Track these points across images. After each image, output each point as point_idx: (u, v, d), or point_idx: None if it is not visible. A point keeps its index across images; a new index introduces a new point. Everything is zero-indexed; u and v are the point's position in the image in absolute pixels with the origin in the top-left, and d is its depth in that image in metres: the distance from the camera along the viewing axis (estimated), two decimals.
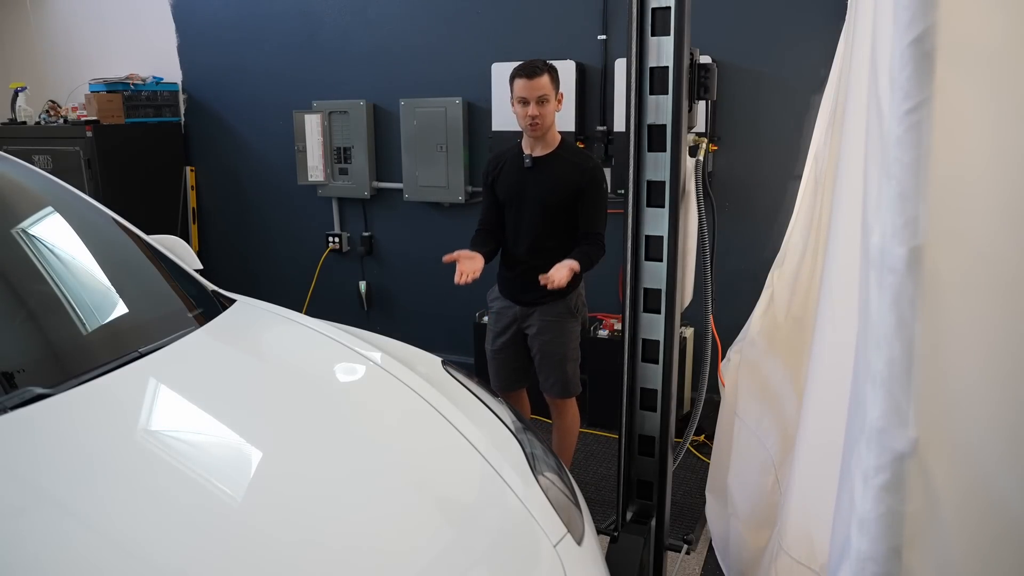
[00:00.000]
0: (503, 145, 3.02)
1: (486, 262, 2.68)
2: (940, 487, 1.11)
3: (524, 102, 2.61)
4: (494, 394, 2.05)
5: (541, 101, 2.60)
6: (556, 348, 2.81)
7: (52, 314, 1.86)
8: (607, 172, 3.77)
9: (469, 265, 2.57)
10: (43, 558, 1.16)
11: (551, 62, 2.70)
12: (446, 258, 2.61)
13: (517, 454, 1.77)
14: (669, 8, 1.74)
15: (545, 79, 2.60)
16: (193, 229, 5.13)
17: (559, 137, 2.74)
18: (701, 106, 1.95)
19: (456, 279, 2.54)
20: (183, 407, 1.66)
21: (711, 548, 2.76)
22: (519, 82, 2.61)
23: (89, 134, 4.52)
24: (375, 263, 4.70)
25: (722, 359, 2.87)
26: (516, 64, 2.67)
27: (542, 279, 2.47)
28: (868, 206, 1.18)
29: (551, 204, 2.69)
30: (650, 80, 1.81)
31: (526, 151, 2.74)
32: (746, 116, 3.60)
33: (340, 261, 4.78)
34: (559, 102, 2.69)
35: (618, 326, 3.75)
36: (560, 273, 2.48)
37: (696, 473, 3.34)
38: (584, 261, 2.60)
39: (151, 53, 4.95)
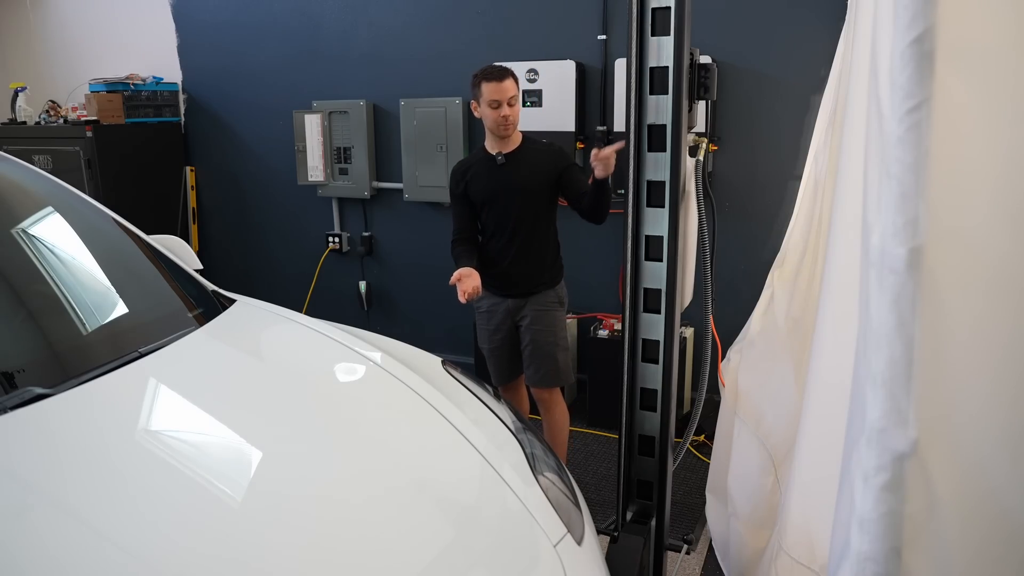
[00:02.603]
0: None
1: (476, 259, 2.84)
2: (940, 487, 1.11)
3: (497, 104, 2.72)
4: (494, 394, 2.06)
5: (511, 102, 2.73)
6: (548, 337, 2.87)
7: (52, 314, 1.85)
8: None
9: (470, 283, 2.64)
10: (43, 558, 1.16)
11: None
12: (452, 281, 2.66)
13: (517, 454, 1.77)
14: (669, 8, 1.74)
15: (511, 81, 2.73)
16: (193, 229, 5.13)
17: (520, 133, 2.87)
18: (701, 106, 1.95)
19: (460, 298, 2.62)
20: (183, 407, 1.66)
21: (711, 548, 2.76)
22: (489, 86, 2.71)
23: (89, 134, 4.52)
24: (375, 263, 4.70)
25: (722, 359, 2.87)
26: (481, 68, 2.77)
27: (595, 155, 2.48)
28: (868, 206, 1.18)
29: (532, 192, 2.80)
30: (650, 80, 1.81)
31: (494, 151, 2.83)
32: (746, 116, 3.60)
33: (340, 261, 4.78)
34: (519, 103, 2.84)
35: (618, 326, 3.75)
36: (610, 160, 2.51)
37: (696, 473, 3.34)
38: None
39: (151, 53, 4.95)
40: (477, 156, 2.92)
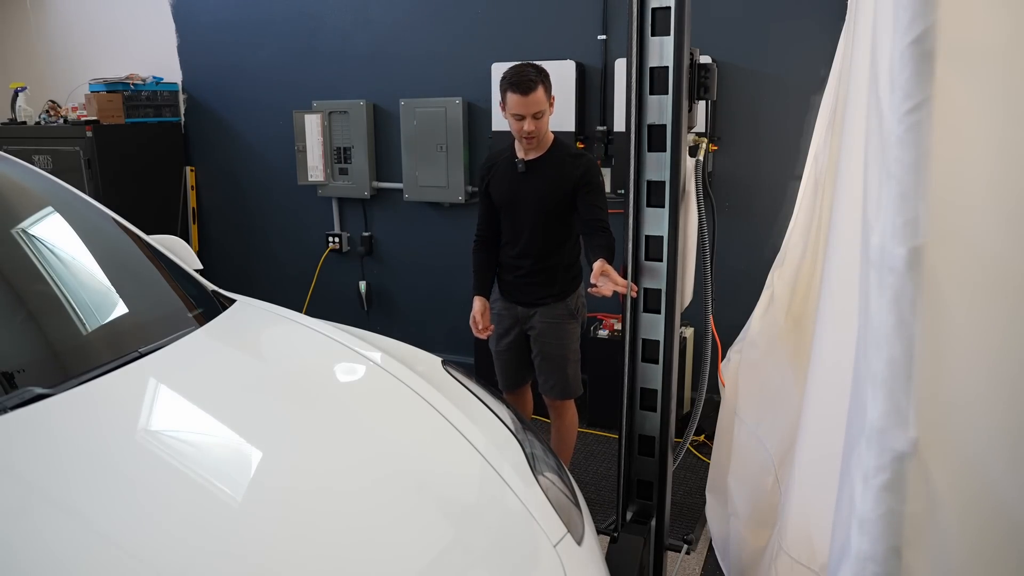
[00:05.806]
0: (503, 145, 3.01)
1: (493, 275, 2.89)
2: (940, 487, 1.11)
3: (520, 118, 2.50)
4: (494, 394, 2.05)
5: (537, 116, 2.50)
6: (557, 350, 2.81)
7: (52, 314, 1.85)
8: (607, 172, 3.81)
9: (483, 321, 2.82)
10: (43, 558, 1.16)
11: (541, 64, 2.55)
12: (471, 323, 2.85)
13: (517, 454, 1.77)
14: (669, 8, 1.74)
15: (540, 92, 2.48)
16: (193, 229, 5.13)
17: (551, 137, 2.67)
18: (701, 106, 1.95)
19: (483, 336, 2.84)
20: (183, 407, 1.66)
21: (711, 548, 2.76)
22: (513, 98, 2.49)
23: (89, 134, 4.52)
24: (375, 263, 4.70)
25: (722, 359, 2.87)
26: (510, 67, 2.54)
27: (593, 292, 2.17)
28: (868, 206, 1.18)
29: (547, 207, 2.65)
30: (650, 80, 1.82)
31: (519, 155, 2.68)
32: (746, 116, 3.60)
33: (340, 261, 4.78)
34: (552, 106, 2.59)
35: (618, 326, 3.75)
36: (608, 286, 2.08)
37: (696, 473, 3.34)
38: (608, 255, 2.34)
39: (151, 53, 4.95)
40: (504, 154, 2.76)
